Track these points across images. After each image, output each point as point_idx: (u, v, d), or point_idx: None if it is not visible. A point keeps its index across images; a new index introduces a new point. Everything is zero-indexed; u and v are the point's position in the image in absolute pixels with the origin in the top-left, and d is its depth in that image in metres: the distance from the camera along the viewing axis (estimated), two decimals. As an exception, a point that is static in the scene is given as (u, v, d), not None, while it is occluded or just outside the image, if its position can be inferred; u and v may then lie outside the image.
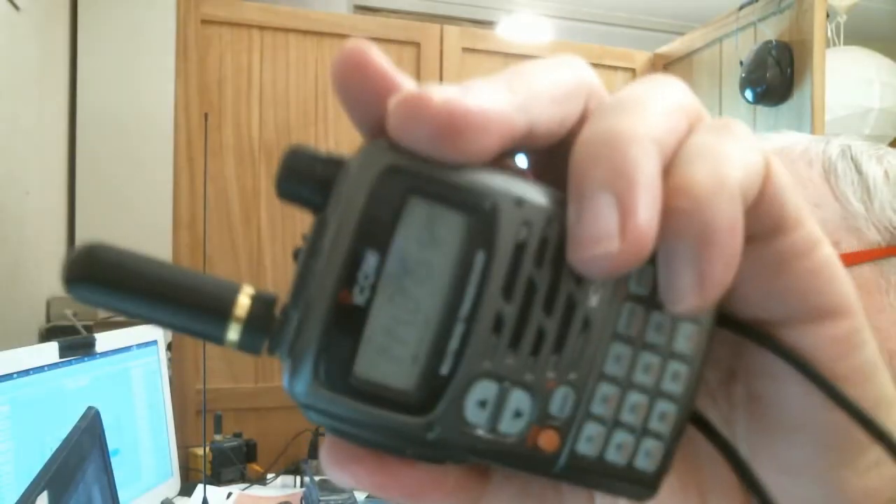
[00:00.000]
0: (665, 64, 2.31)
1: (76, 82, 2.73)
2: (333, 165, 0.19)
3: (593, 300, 0.19)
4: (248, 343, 0.19)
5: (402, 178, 0.18)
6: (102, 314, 2.44)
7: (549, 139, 0.20)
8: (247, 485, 1.56)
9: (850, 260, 0.49)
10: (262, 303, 0.19)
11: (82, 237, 2.75)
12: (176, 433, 1.44)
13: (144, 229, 2.65)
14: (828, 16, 1.86)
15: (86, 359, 1.20)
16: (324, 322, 0.18)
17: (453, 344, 0.18)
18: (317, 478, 1.46)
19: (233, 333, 0.19)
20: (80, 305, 2.41)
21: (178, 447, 1.45)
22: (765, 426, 0.22)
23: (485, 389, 0.19)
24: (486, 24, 3.57)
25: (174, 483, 1.41)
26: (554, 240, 0.19)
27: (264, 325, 0.19)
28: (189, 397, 1.77)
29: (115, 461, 0.92)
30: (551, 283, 0.19)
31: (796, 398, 0.21)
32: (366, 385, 0.18)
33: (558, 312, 0.19)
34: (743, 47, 1.90)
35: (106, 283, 0.18)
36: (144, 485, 1.31)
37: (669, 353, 0.20)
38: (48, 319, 2.40)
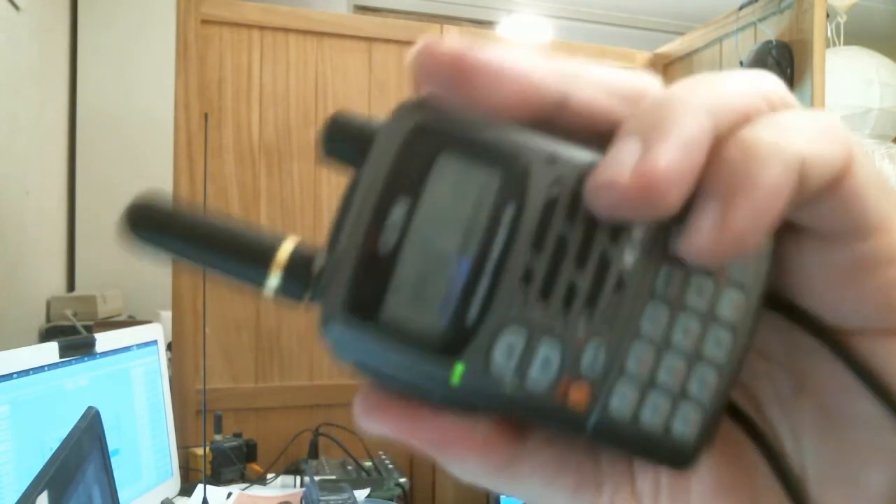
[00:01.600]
0: (665, 64, 2.31)
1: (76, 82, 2.73)
2: (371, 127, 0.20)
3: (629, 258, 0.19)
4: (289, 288, 0.20)
5: (431, 136, 0.19)
6: (102, 314, 2.44)
7: (590, 123, 0.19)
8: (247, 485, 1.56)
9: None
10: (302, 253, 0.20)
11: (82, 237, 2.75)
12: (176, 433, 1.44)
13: (144, 229, 2.65)
14: (828, 16, 1.86)
15: (86, 359, 1.20)
16: (355, 266, 0.19)
17: (482, 291, 0.18)
18: (317, 478, 1.46)
19: (274, 279, 0.20)
20: (80, 305, 2.41)
21: (178, 447, 1.45)
22: (833, 444, 0.20)
23: (513, 337, 0.18)
24: (486, 24, 3.58)
25: (174, 483, 1.41)
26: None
27: (304, 273, 0.20)
28: (189, 397, 1.76)
29: (115, 461, 0.92)
30: (584, 239, 0.19)
31: (866, 415, 0.19)
32: (395, 325, 0.19)
33: (591, 268, 0.19)
34: (743, 47, 1.90)
35: (162, 226, 0.20)
36: (144, 485, 1.31)
37: (711, 318, 0.19)
38: (48, 319, 2.40)
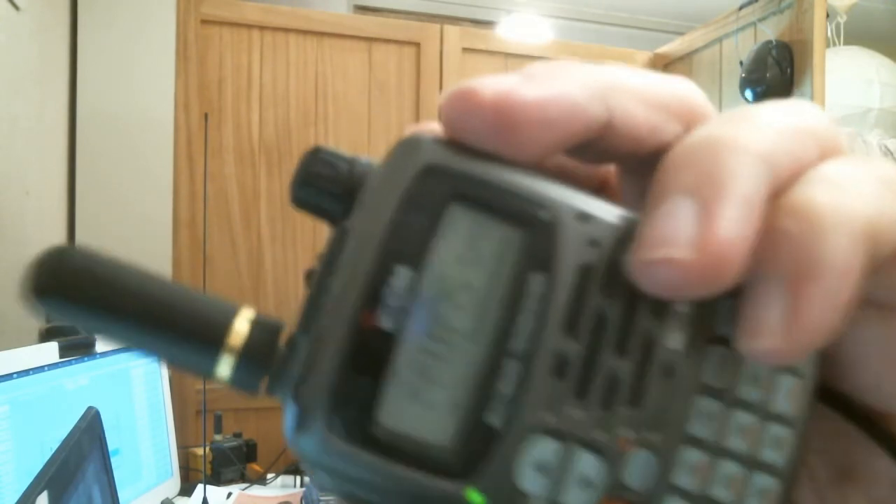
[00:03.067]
0: (665, 64, 2.31)
1: (76, 82, 2.73)
2: (361, 168, 0.16)
3: (675, 341, 0.16)
4: (243, 379, 0.16)
5: (441, 180, 0.15)
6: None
7: (634, 145, 0.17)
8: (247, 485, 1.56)
9: None
10: (263, 330, 0.16)
11: (82, 237, 2.75)
12: (176, 433, 1.44)
13: (144, 229, 2.65)
14: (828, 16, 1.86)
15: (86, 359, 1.20)
16: (341, 352, 0.15)
17: (503, 388, 0.15)
18: (317, 478, 1.45)
19: (224, 367, 0.15)
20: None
21: (178, 447, 1.45)
22: None
23: (544, 449, 0.15)
24: (486, 24, 3.57)
25: (174, 483, 1.41)
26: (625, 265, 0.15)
27: (264, 358, 0.16)
28: (189, 397, 1.76)
29: (115, 461, 0.92)
30: (624, 318, 0.15)
31: None
32: (392, 437, 0.15)
33: (634, 354, 0.15)
34: (743, 47, 1.90)
35: (75, 296, 0.15)
36: (144, 485, 1.31)
37: (766, 414, 0.16)
38: (48, 319, 2.39)
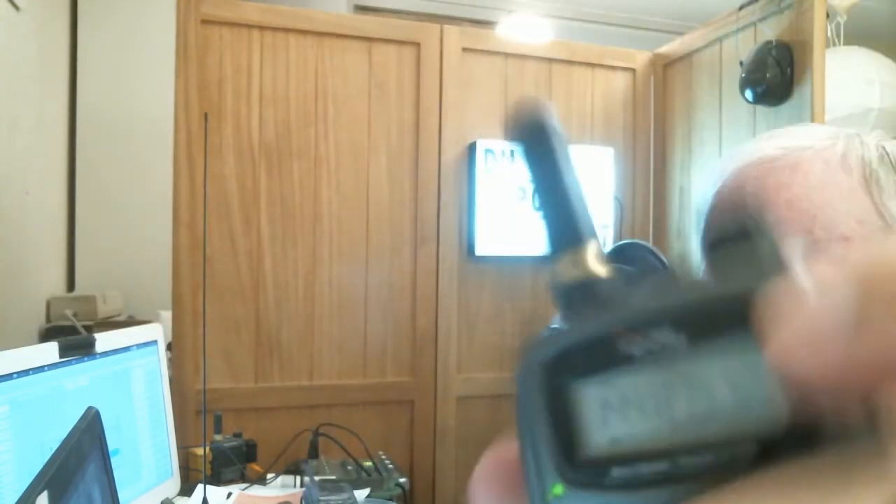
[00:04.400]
0: (665, 64, 2.31)
1: (76, 82, 2.73)
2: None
3: None
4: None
5: None
6: (102, 314, 2.44)
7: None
8: (247, 485, 1.56)
9: None
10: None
11: (82, 237, 2.75)
12: (176, 433, 1.44)
13: (144, 229, 2.66)
14: (828, 16, 1.86)
15: (86, 359, 1.20)
16: None
17: None
18: (317, 478, 1.46)
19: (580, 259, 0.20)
20: (80, 305, 2.41)
21: (178, 447, 1.45)
22: None
23: None
24: (486, 24, 3.58)
25: (174, 483, 1.40)
26: None
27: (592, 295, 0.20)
28: (189, 397, 1.77)
29: (115, 461, 0.92)
30: None
31: None
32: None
33: None
34: (743, 47, 1.90)
35: (537, 153, 0.21)
36: (144, 485, 1.31)
37: None
38: (48, 319, 2.40)
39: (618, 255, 1.63)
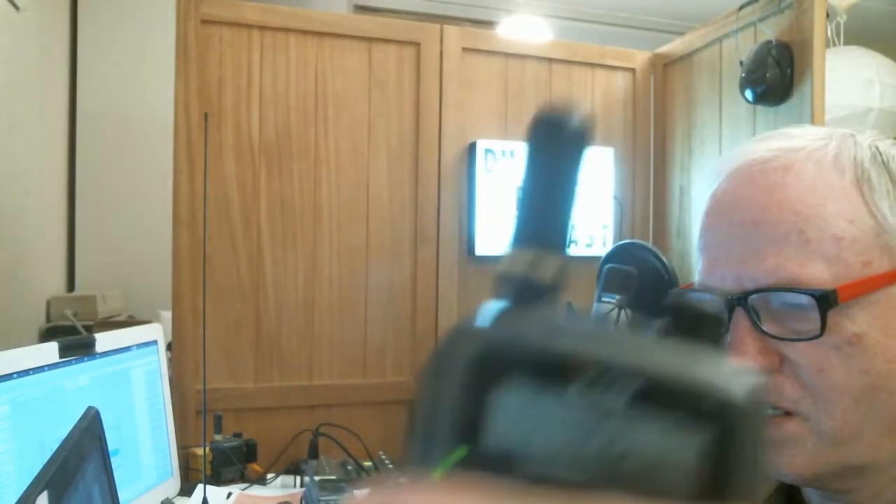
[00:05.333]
0: (665, 64, 2.31)
1: (76, 82, 2.73)
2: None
3: None
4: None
5: None
6: (102, 314, 2.44)
7: None
8: (247, 485, 1.56)
9: (883, 281, 0.48)
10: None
11: (82, 237, 2.75)
12: (176, 433, 1.44)
13: (144, 229, 2.66)
14: (828, 16, 1.86)
15: (86, 359, 1.20)
16: None
17: None
18: (317, 478, 1.46)
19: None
20: (80, 305, 2.41)
21: (178, 447, 1.45)
22: None
23: None
24: (486, 24, 3.58)
25: (174, 483, 1.41)
26: None
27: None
28: (189, 397, 1.77)
29: (115, 461, 0.92)
30: None
31: None
32: None
33: None
34: (743, 47, 1.90)
35: (546, 151, 0.21)
36: (144, 485, 1.31)
37: None
38: (48, 319, 2.40)
39: (618, 255, 1.63)
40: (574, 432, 0.18)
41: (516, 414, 0.18)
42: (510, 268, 0.20)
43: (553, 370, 0.18)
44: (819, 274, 0.48)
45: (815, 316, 0.47)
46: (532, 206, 0.21)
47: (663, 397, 0.18)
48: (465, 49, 2.10)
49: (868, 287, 0.48)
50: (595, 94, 2.26)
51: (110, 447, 0.87)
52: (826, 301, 0.47)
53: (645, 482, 0.18)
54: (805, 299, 0.48)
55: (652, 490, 0.18)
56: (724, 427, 0.17)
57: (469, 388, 0.19)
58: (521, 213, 0.21)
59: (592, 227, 2.18)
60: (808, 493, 0.56)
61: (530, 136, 0.21)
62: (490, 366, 0.19)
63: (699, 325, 0.20)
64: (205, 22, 1.85)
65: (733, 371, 0.18)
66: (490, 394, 0.19)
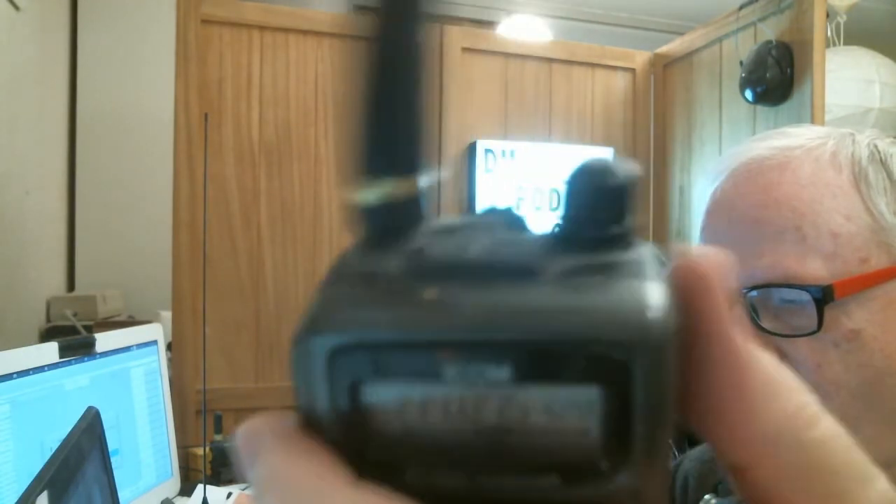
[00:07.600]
0: (665, 64, 2.31)
1: (76, 82, 2.73)
2: None
3: None
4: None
5: None
6: (102, 314, 2.44)
7: None
8: (247, 485, 1.56)
9: (881, 277, 0.48)
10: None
11: (82, 237, 2.75)
12: (176, 433, 1.44)
13: (144, 229, 2.65)
14: (828, 16, 1.86)
15: (86, 359, 1.20)
16: None
17: None
18: (317, 478, 1.45)
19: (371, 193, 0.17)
20: (80, 305, 2.41)
21: (178, 447, 1.45)
22: None
23: None
24: (486, 24, 3.57)
25: (174, 483, 1.40)
26: None
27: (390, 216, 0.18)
28: (189, 397, 1.76)
29: (115, 461, 0.92)
30: None
31: None
32: None
33: None
34: (743, 47, 1.90)
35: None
36: (144, 485, 1.31)
37: None
38: (48, 319, 2.40)
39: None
40: (458, 421, 0.16)
41: (392, 416, 0.16)
42: (363, 201, 0.17)
43: (417, 360, 0.16)
44: (816, 270, 0.48)
45: (813, 312, 0.48)
46: (391, 118, 0.17)
47: (549, 359, 0.15)
48: (464, 49, 2.10)
49: (865, 283, 0.48)
50: (595, 94, 2.26)
51: (110, 447, 0.87)
52: (823, 297, 0.47)
53: (544, 459, 0.15)
54: (802, 295, 0.48)
55: (554, 466, 0.15)
56: (619, 381, 0.15)
57: (336, 400, 0.17)
58: (379, 128, 0.17)
59: (592, 227, 2.17)
60: None
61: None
62: (346, 375, 0.17)
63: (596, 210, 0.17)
64: (205, 22, 1.85)
65: (623, 305, 0.15)
66: (358, 401, 0.17)
